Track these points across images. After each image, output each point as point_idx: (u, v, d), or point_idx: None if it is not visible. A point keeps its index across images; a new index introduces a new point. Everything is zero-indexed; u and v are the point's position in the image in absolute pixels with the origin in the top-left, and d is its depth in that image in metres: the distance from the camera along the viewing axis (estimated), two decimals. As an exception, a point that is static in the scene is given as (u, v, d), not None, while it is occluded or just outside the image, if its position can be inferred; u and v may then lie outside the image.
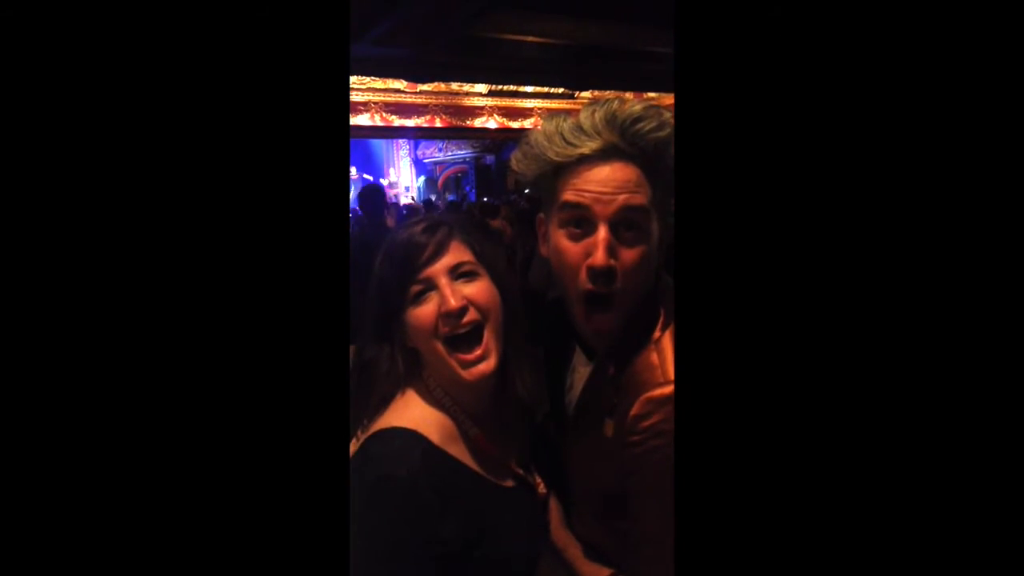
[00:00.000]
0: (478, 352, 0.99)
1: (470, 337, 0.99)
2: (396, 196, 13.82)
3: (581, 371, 1.12)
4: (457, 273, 1.00)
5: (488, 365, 0.99)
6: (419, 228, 1.03)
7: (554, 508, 1.15)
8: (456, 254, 1.01)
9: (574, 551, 1.10)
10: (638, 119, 0.97)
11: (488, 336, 1.00)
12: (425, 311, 0.99)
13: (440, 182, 15.90)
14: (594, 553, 1.09)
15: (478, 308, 0.99)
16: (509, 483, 1.08)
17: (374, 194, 4.58)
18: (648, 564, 0.98)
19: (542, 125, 1.05)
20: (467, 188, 15.08)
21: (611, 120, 0.98)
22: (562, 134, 1.00)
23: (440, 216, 1.09)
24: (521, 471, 1.10)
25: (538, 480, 1.13)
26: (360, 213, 4.73)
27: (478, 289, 1.00)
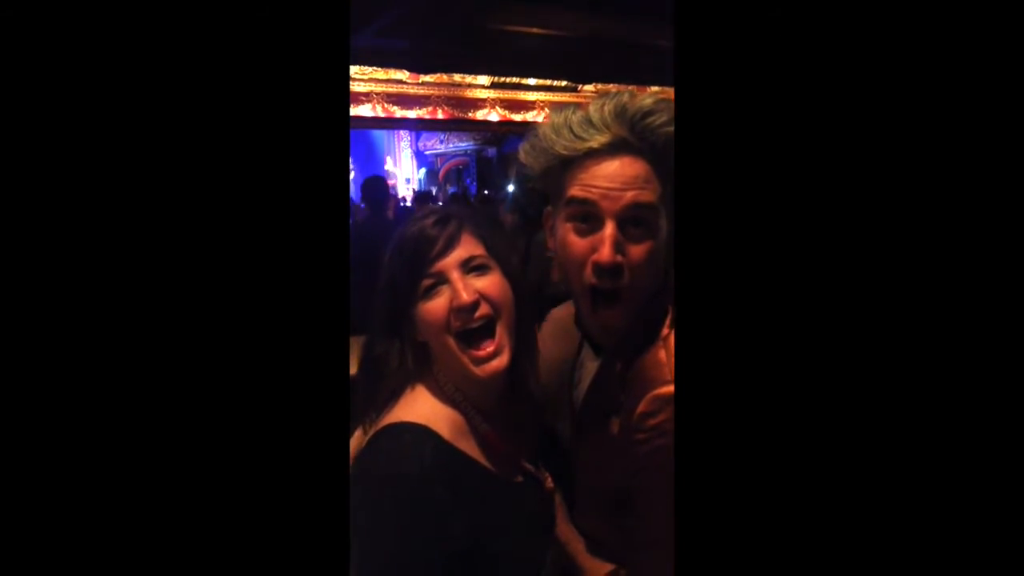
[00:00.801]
0: (491, 348, 0.97)
1: (482, 332, 0.98)
2: (394, 188, 13.80)
3: (589, 367, 1.12)
4: (469, 267, 0.99)
5: (501, 361, 0.98)
6: (429, 221, 1.01)
7: (558, 502, 1.14)
8: (467, 247, 1.00)
9: (577, 545, 1.10)
10: (648, 113, 0.96)
11: (501, 331, 0.99)
12: (436, 305, 0.98)
13: (441, 174, 15.87)
14: (597, 548, 1.09)
15: (490, 302, 0.98)
16: (518, 479, 1.07)
17: (377, 185, 4.56)
18: (650, 561, 0.98)
19: (550, 118, 1.04)
20: (468, 181, 15.05)
21: (620, 113, 0.97)
22: (570, 127, 0.99)
23: (450, 209, 1.08)
24: (530, 467, 1.10)
25: (546, 476, 1.12)
26: (361, 205, 4.72)
27: (490, 283, 0.99)
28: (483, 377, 0.98)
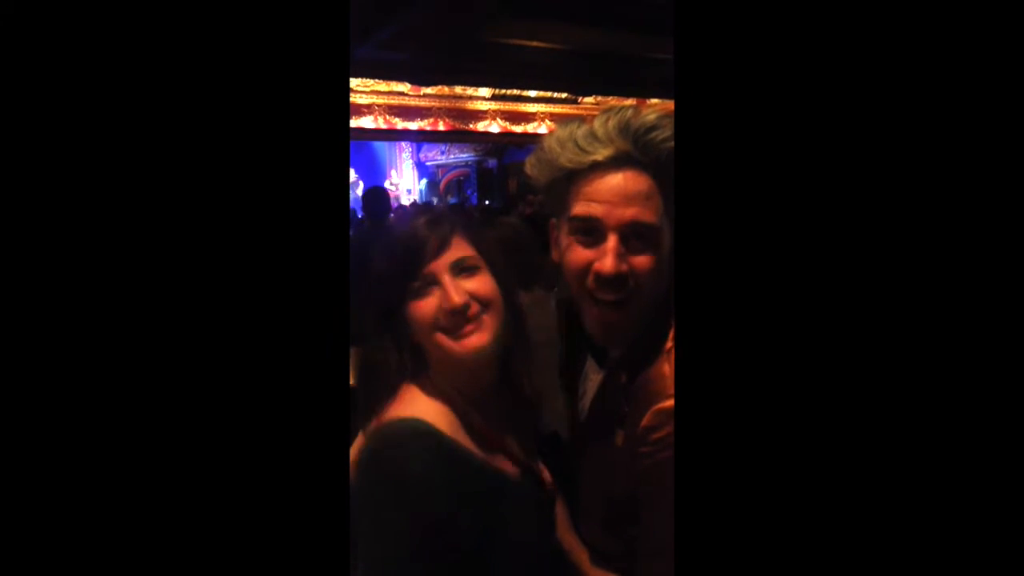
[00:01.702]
0: (471, 327, 0.99)
1: (468, 321, 1.00)
2: (396, 200, 13.82)
3: (593, 378, 1.12)
4: (459, 268, 1.01)
5: (482, 337, 0.99)
6: (422, 222, 1.03)
7: (561, 511, 1.15)
8: (458, 249, 1.02)
9: (580, 555, 1.10)
10: (651, 128, 0.97)
11: (486, 317, 1.01)
12: (426, 305, 0.99)
13: (442, 185, 15.89)
14: (600, 558, 1.09)
15: (480, 300, 1.00)
16: (516, 473, 1.08)
17: (378, 196, 4.55)
18: (655, 573, 0.98)
19: (556, 131, 1.05)
20: (469, 191, 15.09)
21: (624, 128, 0.98)
22: (575, 141, 1.00)
23: (442, 211, 1.09)
24: (527, 461, 1.10)
25: (542, 469, 1.13)
26: (361, 216, 4.70)
27: (479, 283, 1.01)
28: (465, 353, 0.99)
